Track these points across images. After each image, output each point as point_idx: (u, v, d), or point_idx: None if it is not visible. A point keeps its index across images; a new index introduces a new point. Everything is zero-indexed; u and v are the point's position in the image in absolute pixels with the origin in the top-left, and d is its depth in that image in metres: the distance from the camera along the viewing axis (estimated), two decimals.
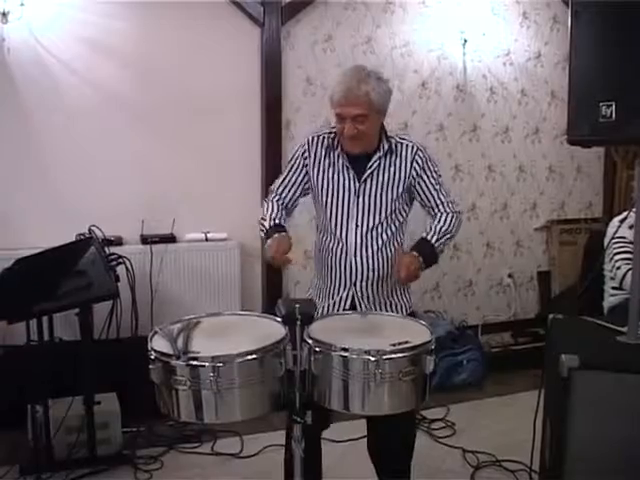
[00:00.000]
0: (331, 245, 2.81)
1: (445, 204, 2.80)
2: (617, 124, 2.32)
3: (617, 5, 2.30)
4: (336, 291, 2.81)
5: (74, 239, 3.75)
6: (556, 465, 2.40)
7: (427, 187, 2.79)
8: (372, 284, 2.78)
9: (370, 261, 2.76)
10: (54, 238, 3.49)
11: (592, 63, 2.42)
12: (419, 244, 2.71)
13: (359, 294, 2.79)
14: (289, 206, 2.87)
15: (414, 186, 2.79)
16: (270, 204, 2.83)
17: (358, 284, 2.78)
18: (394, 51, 4.84)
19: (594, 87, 2.40)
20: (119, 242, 4.23)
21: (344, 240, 2.77)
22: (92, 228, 3.80)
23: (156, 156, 4.38)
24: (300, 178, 2.84)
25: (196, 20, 4.34)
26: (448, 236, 2.76)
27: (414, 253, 2.65)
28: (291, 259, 2.55)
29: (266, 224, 2.73)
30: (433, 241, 2.71)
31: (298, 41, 4.61)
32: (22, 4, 3.88)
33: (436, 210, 2.80)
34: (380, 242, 2.76)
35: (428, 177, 2.79)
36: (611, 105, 2.32)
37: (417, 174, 2.77)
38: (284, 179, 2.87)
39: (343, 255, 2.78)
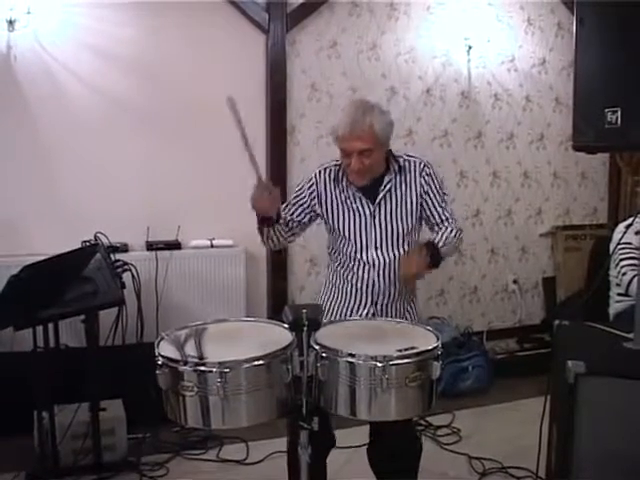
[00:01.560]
0: (351, 265, 2.81)
1: (450, 220, 2.80)
2: (622, 130, 2.32)
3: (622, 11, 2.30)
4: (355, 309, 2.82)
5: (80, 246, 3.76)
6: (562, 471, 2.39)
7: (433, 203, 2.79)
8: (392, 301, 2.80)
9: (392, 279, 2.77)
10: (60, 245, 3.49)
11: (597, 69, 2.42)
12: (427, 244, 2.68)
13: (379, 311, 2.80)
14: (293, 226, 2.84)
15: (421, 202, 2.79)
16: None
17: (379, 302, 2.79)
18: (399, 57, 4.86)
19: (599, 93, 2.40)
20: (124, 249, 4.24)
21: (365, 260, 2.77)
22: (98, 235, 3.81)
23: (161, 163, 4.39)
24: (301, 202, 2.84)
25: (201, 26, 4.36)
26: (451, 247, 2.75)
27: (424, 251, 2.62)
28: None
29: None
30: (440, 245, 2.68)
31: (303, 47, 4.62)
32: (29, 12, 3.90)
33: (440, 225, 2.79)
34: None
35: (434, 193, 2.79)
36: (616, 111, 2.33)
37: (424, 190, 2.78)
38: (286, 207, 2.85)
39: (365, 274, 2.78)
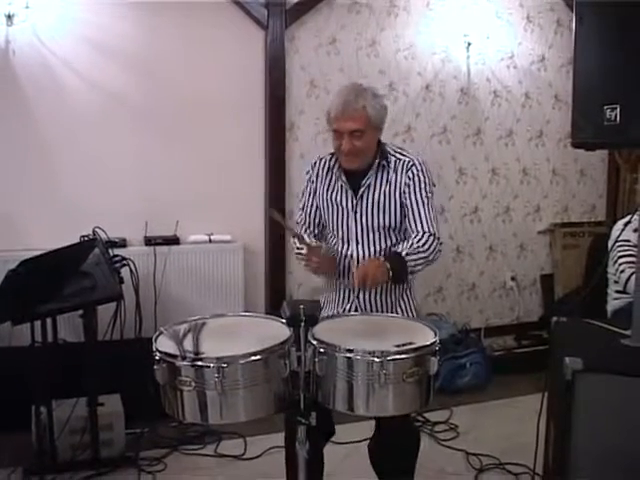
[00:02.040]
0: (336, 258, 2.82)
1: (425, 223, 2.69)
2: (621, 127, 2.32)
3: (621, 9, 2.30)
4: (341, 302, 2.84)
5: (78, 241, 3.76)
6: (559, 468, 2.40)
7: (411, 201, 2.71)
8: (375, 296, 2.79)
9: None
10: (58, 240, 3.49)
11: (596, 66, 2.42)
12: (389, 255, 2.62)
13: (362, 305, 2.80)
14: (316, 232, 2.90)
15: (402, 202, 2.74)
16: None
17: (361, 296, 2.79)
18: (398, 54, 4.85)
19: (598, 90, 2.40)
20: (123, 244, 4.24)
21: (346, 254, 2.79)
22: (96, 230, 3.81)
23: (160, 158, 4.39)
24: (315, 202, 2.89)
25: (200, 22, 4.35)
26: (422, 255, 2.61)
27: (381, 258, 2.57)
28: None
29: (304, 251, 2.71)
30: (403, 254, 2.58)
31: (302, 44, 4.62)
32: (27, 7, 3.89)
33: (414, 226, 2.70)
34: (382, 257, 2.72)
35: (415, 193, 2.71)
36: (615, 108, 2.33)
37: (406, 189, 2.72)
38: (303, 208, 2.93)
39: (346, 269, 2.79)
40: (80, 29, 4.11)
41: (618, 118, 2.32)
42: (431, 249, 2.64)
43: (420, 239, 2.64)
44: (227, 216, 4.55)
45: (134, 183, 4.35)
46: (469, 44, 4.95)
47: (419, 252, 2.61)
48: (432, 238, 2.66)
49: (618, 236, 3.56)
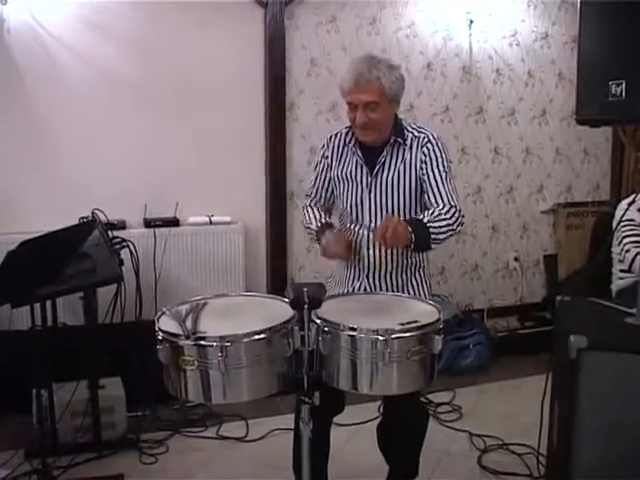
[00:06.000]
0: (347, 236, 2.79)
1: (445, 197, 2.63)
2: (627, 102, 2.32)
3: None
4: (350, 281, 2.80)
5: (77, 222, 3.73)
6: (564, 448, 2.39)
7: (429, 178, 2.65)
8: (385, 276, 2.76)
9: (382, 255, 2.72)
10: (57, 221, 3.47)
11: (601, 42, 2.41)
12: (411, 220, 2.55)
13: (372, 285, 2.76)
14: (327, 205, 2.92)
15: (420, 177, 2.68)
16: (309, 209, 2.89)
17: (371, 276, 2.76)
18: (399, 32, 4.79)
19: (603, 66, 2.40)
20: (122, 226, 4.21)
21: (357, 233, 2.76)
22: (95, 212, 3.79)
23: (159, 139, 4.35)
24: (328, 177, 2.85)
25: (199, 0, 4.29)
26: (445, 222, 2.54)
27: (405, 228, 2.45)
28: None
29: (313, 227, 2.79)
30: (425, 220, 2.52)
31: (302, 22, 4.56)
32: None
33: (434, 202, 2.64)
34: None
35: (433, 167, 2.66)
36: (621, 84, 2.31)
37: (425, 166, 2.67)
38: (315, 181, 2.91)
39: (357, 247, 2.76)
40: (76, 7, 4.06)
41: (624, 93, 2.31)
42: (454, 218, 2.58)
43: (442, 208, 2.59)
44: (227, 197, 4.52)
45: (133, 164, 4.31)
46: (471, 22, 4.89)
47: (442, 219, 2.54)
48: (454, 209, 2.61)
49: (622, 216, 3.56)
